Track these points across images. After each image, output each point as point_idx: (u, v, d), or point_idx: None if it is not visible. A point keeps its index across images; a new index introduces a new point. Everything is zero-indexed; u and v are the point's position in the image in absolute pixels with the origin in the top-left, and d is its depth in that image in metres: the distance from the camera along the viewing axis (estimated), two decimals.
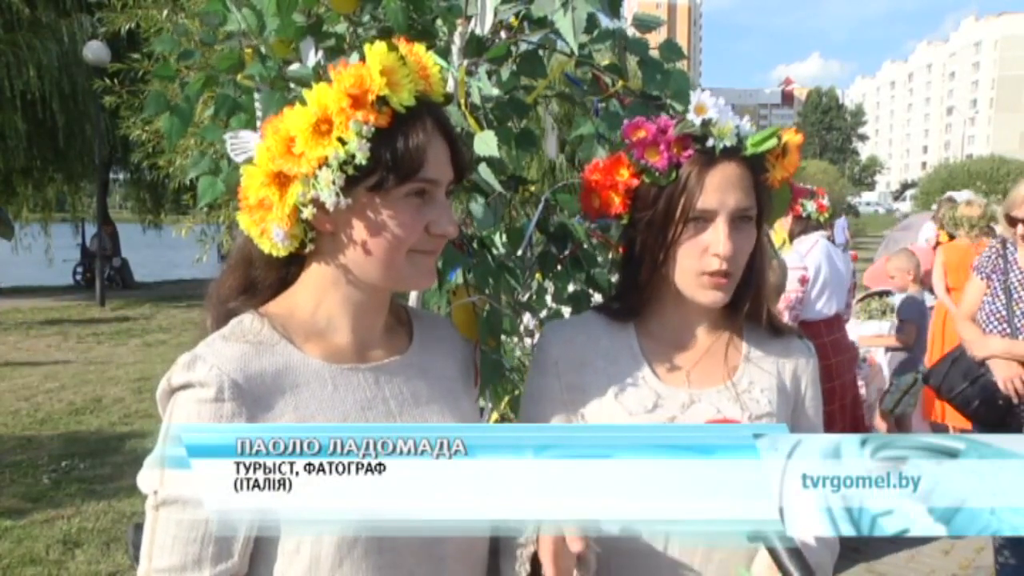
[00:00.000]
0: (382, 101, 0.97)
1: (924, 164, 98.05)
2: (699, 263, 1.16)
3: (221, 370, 0.97)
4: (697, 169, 1.14)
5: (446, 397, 1.15)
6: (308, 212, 0.98)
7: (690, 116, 1.17)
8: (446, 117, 1.07)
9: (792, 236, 4.22)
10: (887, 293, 6.58)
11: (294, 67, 1.33)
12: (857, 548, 4.08)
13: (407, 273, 1.05)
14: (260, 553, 1.01)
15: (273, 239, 1.01)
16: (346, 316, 1.08)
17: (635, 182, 1.19)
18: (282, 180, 0.99)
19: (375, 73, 0.96)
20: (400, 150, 0.98)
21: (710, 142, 1.15)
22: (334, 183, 0.96)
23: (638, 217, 1.20)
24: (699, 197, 1.14)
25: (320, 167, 0.96)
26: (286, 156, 0.97)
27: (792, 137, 1.22)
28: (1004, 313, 3.07)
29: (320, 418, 1.01)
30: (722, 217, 1.14)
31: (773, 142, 1.18)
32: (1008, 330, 3.07)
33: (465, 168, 1.09)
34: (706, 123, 1.16)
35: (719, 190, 1.14)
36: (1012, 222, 3.10)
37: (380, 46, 0.97)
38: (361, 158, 0.96)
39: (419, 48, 1.04)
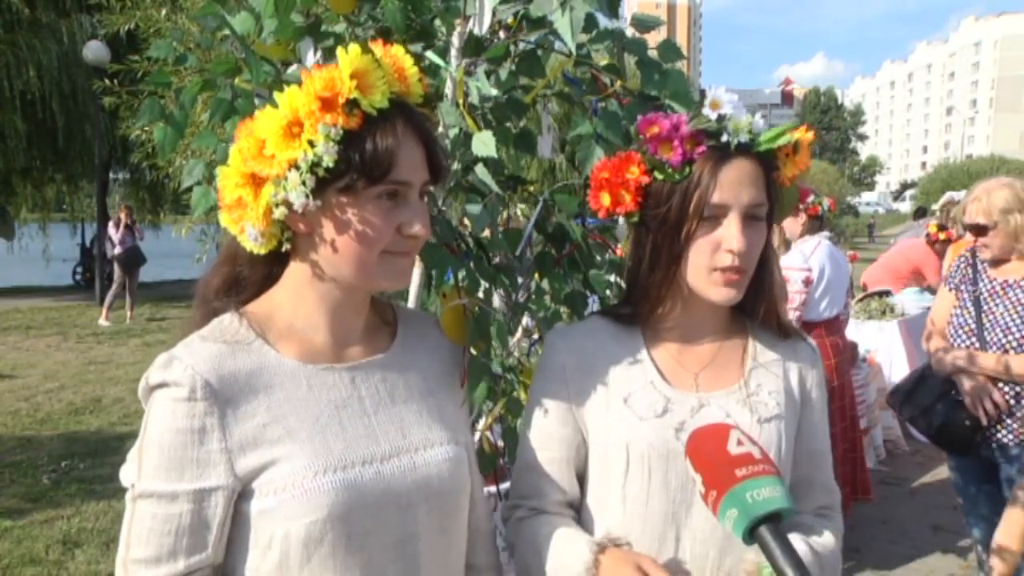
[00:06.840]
0: (353, 104, 0.98)
1: (924, 164, 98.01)
2: (712, 259, 1.15)
3: (195, 370, 0.99)
4: (711, 165, 1.14)
5: (426, 397, 1.15)
6: (279, 213, 0.99)
7: (705, 111, 1.16)
8: (421, 118, 1.07)
9: (802, 235, 4.23)
10: (887, 293, 6.59)
11: (293, 68, 1.33)
12: (857, 548, 4.08)
13: (379, 273, 1.06)
14: (234, 546, 1.02)
15: (248, 238, 1.03)
16: (323, 315, 1.09)
17: (646, 179, 1.18)
18: (256, 181, 1.00)
19: (345, 76, 0.97)
20: (369, 152, 0.99)
21: (724, 138, 1.15)
22: (304, 184, 0.97)
23: (651, 215, 1.19)
24: (713, 192, 1.13)
25: (290, 169, 0.97)
26: (258, 158, 0.99)
27: (803, 135, 1.21)
28: (973, 326, 2.84)
29: (293, 418, 1.02)
30: (735, 213, 1.14)
31: (786, 138, 1.18)
32: (978, 344, 2.82)
33: (441, 169, 1.09)
34: (721, 118, 1.15)
35: (733, 185, 1.14)
36: (975, 231, 2.83)
37: (354, 49, 0.98)
38: (328, 160, 0.96)
39: (397, 50, 1.05)
